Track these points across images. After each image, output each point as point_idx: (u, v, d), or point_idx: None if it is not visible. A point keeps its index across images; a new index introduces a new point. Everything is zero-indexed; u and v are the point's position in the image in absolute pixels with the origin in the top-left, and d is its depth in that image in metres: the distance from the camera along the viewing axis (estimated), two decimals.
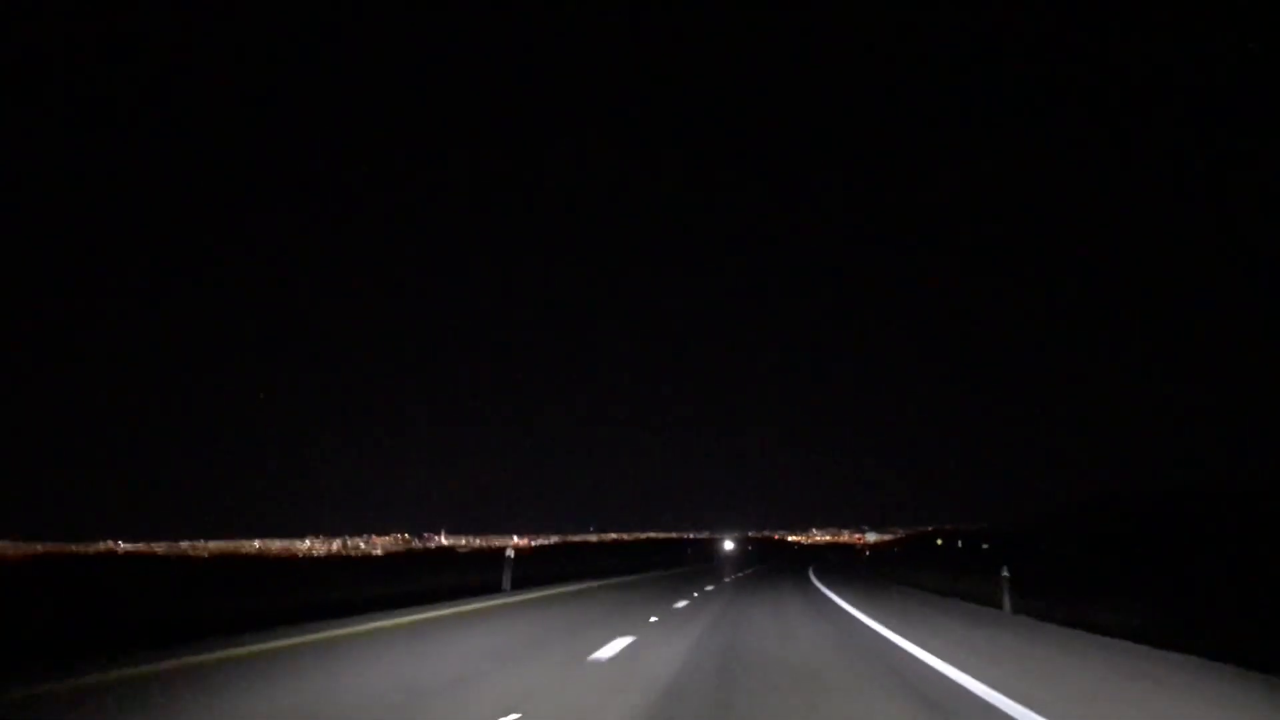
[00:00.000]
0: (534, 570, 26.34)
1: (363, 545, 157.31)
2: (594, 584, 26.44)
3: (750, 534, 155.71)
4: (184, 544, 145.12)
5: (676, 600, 18.48)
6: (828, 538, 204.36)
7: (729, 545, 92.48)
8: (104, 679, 7.66)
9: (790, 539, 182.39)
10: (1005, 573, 17.02)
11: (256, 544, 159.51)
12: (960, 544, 65.52)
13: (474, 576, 22.02)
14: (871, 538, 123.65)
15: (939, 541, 75.03)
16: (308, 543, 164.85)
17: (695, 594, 21.34)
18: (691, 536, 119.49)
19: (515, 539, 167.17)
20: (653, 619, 13.87)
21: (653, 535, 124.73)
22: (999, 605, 16.88)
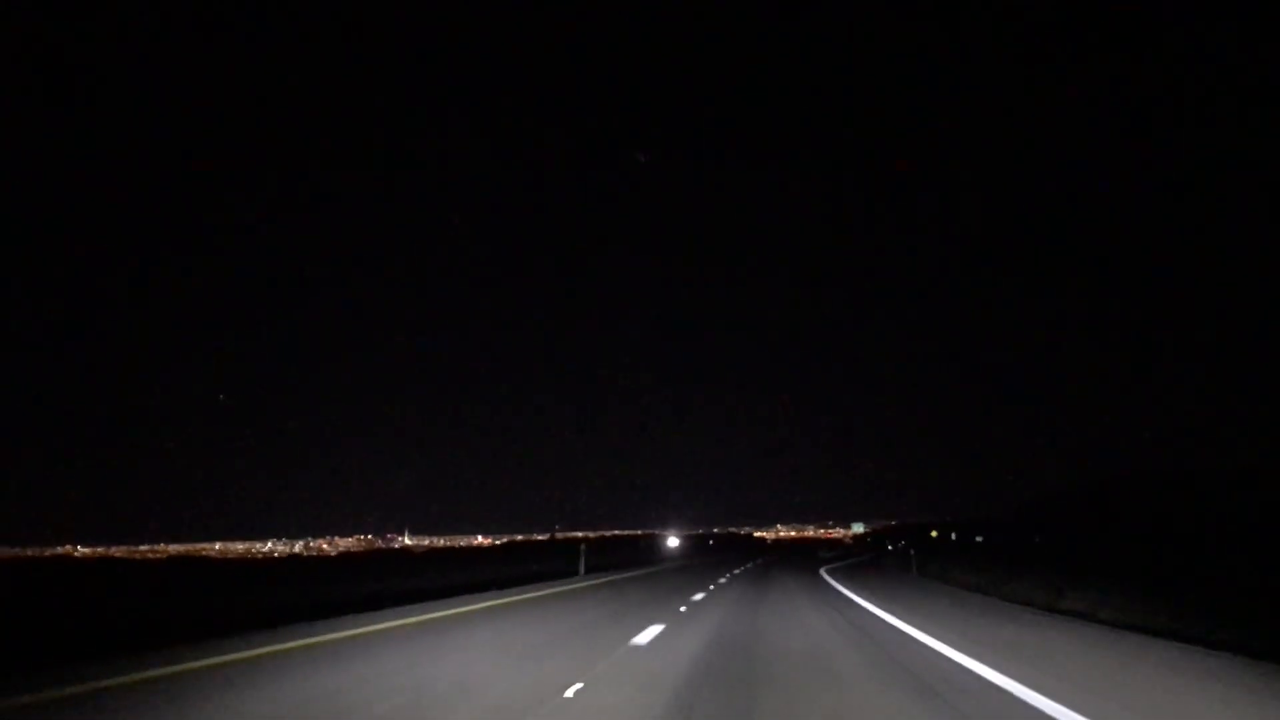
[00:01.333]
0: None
1: (325, 546, 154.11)
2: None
3: (715, 530, 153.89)
4: (143, 547, 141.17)
5: None
6: (793, 533, 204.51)
7: (673, 542, 67.26)
8: (80, 690, 7.22)
9: (756, 534, 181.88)
10: None
11: (217, 546, 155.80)
12: (954, 536, 65.15)
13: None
14: (859, 529, 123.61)
15: (933, 534, 74.34)
16: (269, 544, 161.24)
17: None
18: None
19: (480, 539, 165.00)
20: None
21: (606, 534, 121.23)
22: None
